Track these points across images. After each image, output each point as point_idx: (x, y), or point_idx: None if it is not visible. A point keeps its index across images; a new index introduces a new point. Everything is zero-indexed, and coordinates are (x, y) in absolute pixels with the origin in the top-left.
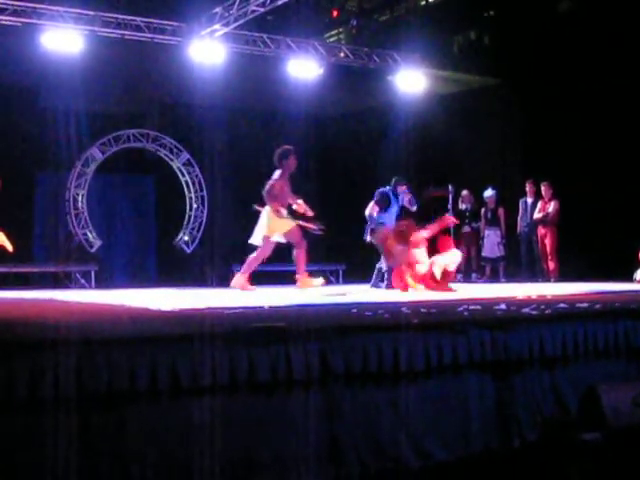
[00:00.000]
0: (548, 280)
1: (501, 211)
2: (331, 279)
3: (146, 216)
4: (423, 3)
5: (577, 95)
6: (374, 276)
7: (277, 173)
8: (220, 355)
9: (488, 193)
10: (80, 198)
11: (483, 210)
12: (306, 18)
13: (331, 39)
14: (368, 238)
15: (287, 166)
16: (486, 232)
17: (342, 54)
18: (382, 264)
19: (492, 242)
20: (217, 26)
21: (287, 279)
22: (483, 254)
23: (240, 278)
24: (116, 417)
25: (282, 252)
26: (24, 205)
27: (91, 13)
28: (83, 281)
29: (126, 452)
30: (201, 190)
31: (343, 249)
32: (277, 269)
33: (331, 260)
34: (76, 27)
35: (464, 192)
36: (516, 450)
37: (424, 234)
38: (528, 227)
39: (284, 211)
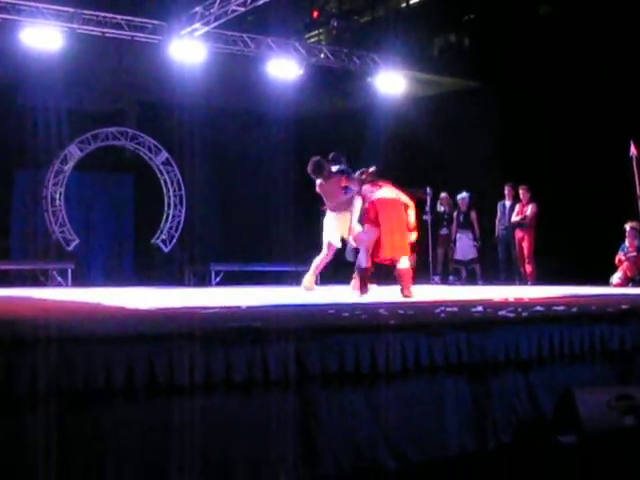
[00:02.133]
0: (525, 283)
1: (474, 214)
2: None
3: (124, 214)
4: (404, 5)
5: (557, 98)
6: None
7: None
8: (196, 355)
9: (461, 196)
10: (58, 196)
11: (455, 213)
12: (286, 18)
13: (311, 40)
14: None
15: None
16: (458, 235)
17: (322, 55)
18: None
19: (464, 245)
20: (197, 25)
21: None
22: (455, 257)
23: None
24: (92, 415)
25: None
26: (2, 203)
27: (71, 10)
28: (60, 279)
29: (102, 451)
30: (179, 189)
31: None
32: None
33: (308, 261)
34: (56, 24)
35: (442, 195)
36: (492, 452)
37: None
38: (506, 230)
39: None
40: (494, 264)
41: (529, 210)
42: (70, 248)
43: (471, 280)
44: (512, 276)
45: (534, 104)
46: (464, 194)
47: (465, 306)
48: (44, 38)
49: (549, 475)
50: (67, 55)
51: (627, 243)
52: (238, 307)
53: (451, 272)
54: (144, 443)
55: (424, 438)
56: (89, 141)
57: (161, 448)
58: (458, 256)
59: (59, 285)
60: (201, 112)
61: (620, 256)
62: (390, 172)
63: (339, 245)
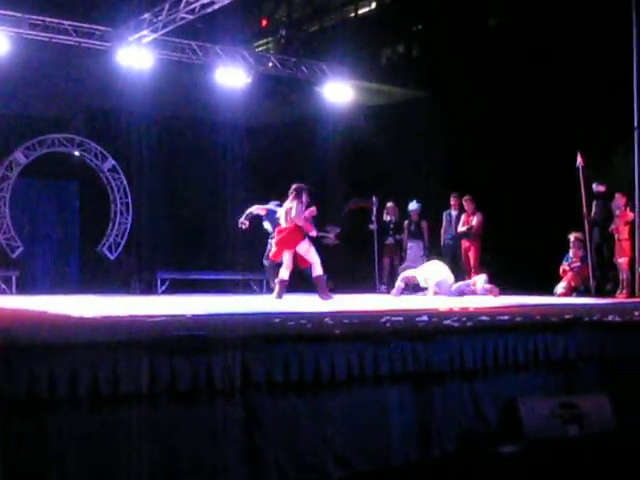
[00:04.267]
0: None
1: (424, 224)
2: (255, 289)
3: (70, 222)
4: (352, 15)
5: (504, 109)
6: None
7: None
8: (141, 363)
9: (412, 206)
10: (2, 202)
11: (406, 222)
12: (235, 27)
13: (260, 48)
14: None
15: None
16: (409, 244)
17: (270, 64)
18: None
19: (415, 254)
20: (145, 32)
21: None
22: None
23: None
24: (35, 423)
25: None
26: None
27: (18, 15)
28: (4, 286)
29: (46, 459)
30: (126, 196)
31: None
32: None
33: (255, 270)
34: (2, 29)
35: (389, 204)
36: (436, 461)
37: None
38: (452, 240)
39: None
40: None
41: (475, 220)
42: (15, 255)
43: (418, 290)
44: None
45: (481, 114)
46: (415, 204)
47: (410, 316)
48: None
49: None
50: (13, 60)
51: (571, 254)
52: (183, 315)
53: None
54: (88, 451)
55: (369, 447)
56: (35, 147)
57: (106, 456)
58: (408, 265)
59: (3, 292)
60: (148, 119)
61: (564, 266)
62: (337, 180)
63: None
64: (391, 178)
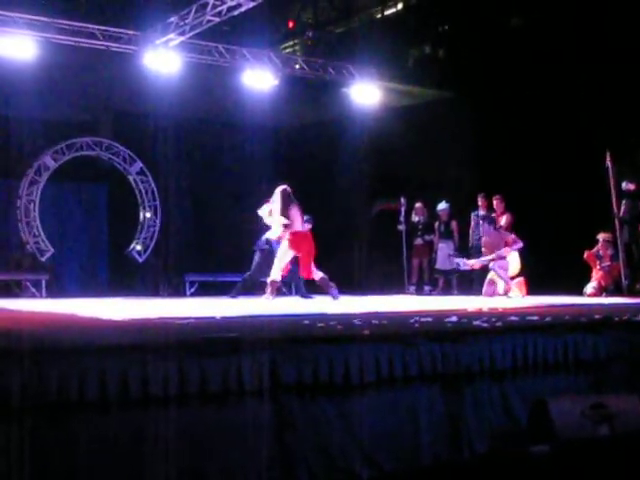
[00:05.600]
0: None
1: (454, 224)
2: (284, 291)
3: (98, 225)
4: (379, 16)
5: (530, 108)
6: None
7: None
8: (171, 366)
9: (441, 206)
10: (32, 206)
11: (437, 223)
12: (262, 29)
13: (287, 50)
14: None
15: None
16: (439, 245)
17: (297, 65)
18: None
19: (445, 255)
20: (172, 35)
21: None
22: (436, 266)
23: None
24: (65, 427)
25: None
26: None
27: (45, 19)
28: (34, 290)
29: (75, 463)
30: (154, 199)
31: None
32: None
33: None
34: (29, 33)
35: (417, 204)
36: (466, 462)
37: None
38: (480, 240)
39: None
40: (469, 274)
41: (503, 220)
42: (44, 259)
43: (447, 290)
44: None
45: (508, 114)
46: (444, 205)
47: (439, 316)
48: (18, 47)
49: None
50: (41, 65)
51: (601, 253)
52: (212, 318)
53: (427, 282)
54: (118, 454)
55: (398, 448)
56: (63, 151)
57: (135, 459)
58: (438, 265)
59: (33, 296)
60: (176, 122)
61: (591, 253)
62: (364, 182)
63: None
64: (419, 179)
